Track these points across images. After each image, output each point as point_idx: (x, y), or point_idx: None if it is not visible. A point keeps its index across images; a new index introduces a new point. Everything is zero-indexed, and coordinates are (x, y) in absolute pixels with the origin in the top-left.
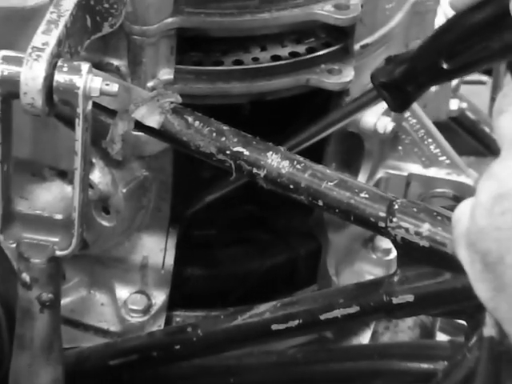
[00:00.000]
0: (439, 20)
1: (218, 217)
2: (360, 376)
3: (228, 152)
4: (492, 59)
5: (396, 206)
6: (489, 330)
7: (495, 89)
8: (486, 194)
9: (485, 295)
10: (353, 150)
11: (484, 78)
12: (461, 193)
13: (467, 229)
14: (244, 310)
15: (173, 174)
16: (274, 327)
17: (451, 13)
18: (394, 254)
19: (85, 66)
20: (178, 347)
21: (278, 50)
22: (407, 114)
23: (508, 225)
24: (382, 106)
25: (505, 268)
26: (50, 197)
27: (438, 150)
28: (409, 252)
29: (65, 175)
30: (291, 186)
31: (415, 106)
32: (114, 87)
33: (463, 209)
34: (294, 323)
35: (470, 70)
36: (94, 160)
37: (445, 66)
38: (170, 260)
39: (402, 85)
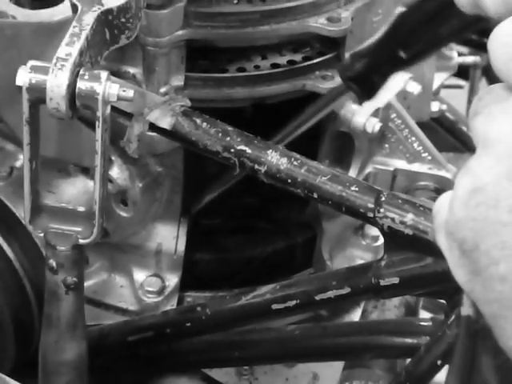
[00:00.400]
0: None
1: (224, 208)
2: (351, 350)
3: (232, 150)
4: (442, 44)
5: (383, 198)
6: (466, 310)
7: (471, 92)
8: (463, 188)
9: (462, 279)
10: (344, 148)
11: (462, 82)
12: (441, 185)
13: (446, 219)
14: (247, 291)
15: (183, 170)
16: (274, 307)
17: None
18: (381, 240)
19: (104, 74)
20: (188, 325)
21: (277, 58)
22: (393, 115)
23: (482, 216)
24: (371, 107)
25: (479, 255)
26: (74, 191)
27: (420, 148)
28: (394, 239)
29: (87, 171)
30: (289, 181)
31: (400, 107)
32: (130, 93)
33: (442, 201)
34: (292, 303)
35: (425, 56)
36: (113, 158)
37: (403, 55)
38: (181, 246)
39: (367, 76)
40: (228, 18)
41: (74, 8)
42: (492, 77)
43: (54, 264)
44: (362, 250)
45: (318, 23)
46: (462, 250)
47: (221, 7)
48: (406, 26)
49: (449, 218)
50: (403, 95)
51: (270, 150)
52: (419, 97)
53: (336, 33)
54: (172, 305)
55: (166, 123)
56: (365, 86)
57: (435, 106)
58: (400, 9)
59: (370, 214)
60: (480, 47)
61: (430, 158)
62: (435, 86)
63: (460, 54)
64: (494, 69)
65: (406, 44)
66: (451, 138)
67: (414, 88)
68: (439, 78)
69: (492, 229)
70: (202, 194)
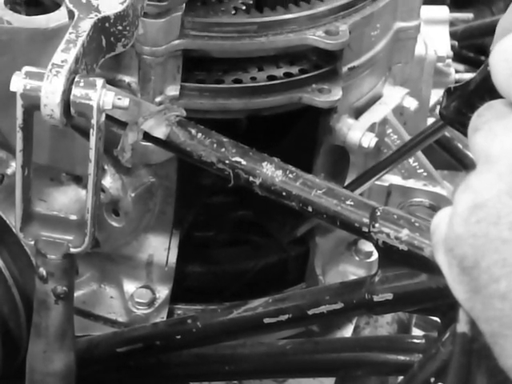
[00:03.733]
0: (418, 46)
1: (216, 220)
2: (343, 366)
3: (227, 161)
4: None
5: (378, 213)
6: (462, 327)
7: None
8: (463, 204)
9: (462, 296)
10: (339, 162)
11: None
12: (436, 202)
13: (445, 235)
14: (239, 305)
15: (177, 181)
16: (266, 321)
17: (429, 41)
18: (375, 256)
19: (99, 82)
20: (178, 337)
21: (274, 70)
22: (389, 130)
23: (483, 232)
24: (367, 122)
25: (480, 272)
26: (66, 199)
27: (416, 164)
28: (389, 255)
29: (80, 180)
30: (284, 194)
31: (396, 123)
32: (125, 101)
33: (441, 217)
34: (284, 317)
35: None
36: (106, 167)
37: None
38: (173, 258)
39: (469, 116)
40: (225, 28)
41: (71, 14)
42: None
43: (44, 273)
44: (355, 266)
45: (316, 36)
46: (461, 266)
47: (218, 17)
48: None
49: (448, 235)
50: (400, 111)
51: (266, 162)
52: (416, 113)
53: (333, 46)
54: (162, 317)
55: (160, 133)
56: (460, 123)
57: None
58: None
59: (365, 229)
60: (477, 64)
61: (425, 174)
62: (432, 102)
63: (457, 71)
64: (494, 84)
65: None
66: (447, 154)
67: (411, 104)
68: (436, 95)
69: (493, 246)
70: (196, 205)
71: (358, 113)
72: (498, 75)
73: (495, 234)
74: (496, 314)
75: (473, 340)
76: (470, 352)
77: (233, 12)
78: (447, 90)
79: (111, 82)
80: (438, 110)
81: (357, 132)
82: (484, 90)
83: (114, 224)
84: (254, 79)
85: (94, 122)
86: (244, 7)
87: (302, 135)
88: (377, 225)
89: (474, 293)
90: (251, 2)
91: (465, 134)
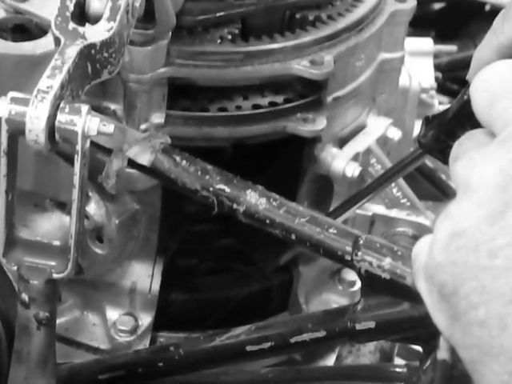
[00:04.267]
0: (403, 78)
1: (200, 248)
2: None
3: (211, 189)
4: None
5: (361, 242)
6: (442, 354)
7: None
8: (443, 232)
9: (442, 323)
10: (323, 191)
11: None
12: (419, 232)
13: (426, 263)
14: (222, 333)
15: (161, 208)
16: (249, 348)
17: (413, 72)
18: (358, 286)
19: (84, 108)
20: (161, 364)
21: (259, 99)
22: (373, 160)
23: (462, 260)
24: (351, 152)
25: (459, 299)
26: (49, 225)
27: (399, 194)
28: (371, 283)
29: (63, 206)
30: (267, 221)
31: (380, 153)
32: (110, 128)
33: (422, 245)
34: (267, 345)
35: None
36: (90, 193)
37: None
38: (156, 285)
39: (449, 144)
40: (211, 57)
41: (57, 41)
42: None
43: (27, 298)
44: (338, 295)
45: (301, 65)
46: (441, 294)
47: (204, 46)
48: None
49: (428, 262)
50: (384, 141)
51: (249, 190)
52: (399, 143)
53: (318, 76)
54: (144, 344)
55: (145, 160)
56: (447, 152)
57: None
58: None
59: (348, 257)
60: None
61: (408, 204)
62: (415, 132)
63: (441, 103)
64: (475, 114)
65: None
66: (430, 185)
67: (395, 134)
68: (419, 125)
69: (472, 273)
70: (180, 233)
71: (342, 142)
72: (478, 105)
73: (474, 262)
74: (475, 341)
75: (453, 367)
76: (451, 379)
77: (219, 41)
78: (425, 119)
79: (97, 109)
80: (416, 139)
81: (341, 161)
82: (461, 118)
83: (98, 251)
84: (239, 108)
85: (78, 148)
86: (230, 36)
87: (286, 164)
88: (359, 253)
89: (453, 320)
90: (237, 32)
91: (443, 161)
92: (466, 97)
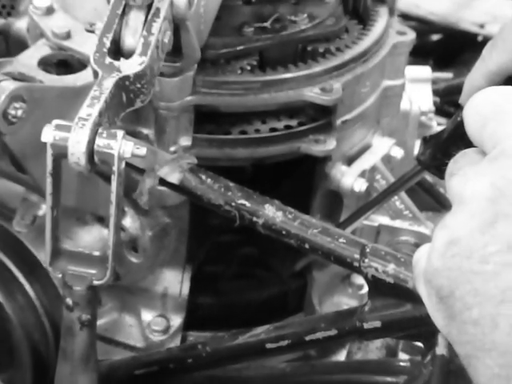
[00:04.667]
0: (404, 102)
1: (224, 256)
2: None
3: (233, 204)
4: None
5: (368, 250)
6: (441, 350)
7: None
8: (440, 241)
9: (440, 322)
10: (334, 204)
11: None
12: (420, 240)
13: (425, 269)
14: (244, 332)
15: (189, 221)
16: (268, 346)
17: (414, 97)
18: (365, 289)
19: (120, 133)
20: (190, 361)
21: (275, 123)
22: (378, 176)
23: (457, 265)
24: (358, 169)
25: (455, 301)
26: (90, 237)
27: (402, 206)
28: (377, 286)
29: (102, 220)
30: (283, 232)
31: (384, 169)
32: (143, 150)
33: (421, 252)
34: (284, 343)
35: None
36: (126, 208)
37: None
38: (185, 290)
39: (444, 161)
40: (232, 86)
41: (96, 74)
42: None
43: (71, 302)
44: (348, 297)
45: (312, 93)
46: (439, 296)
47: (226, 76)
48: None
49: (427, 268)
50: (387, 159)
51: (267, 205)
52: (402, 161)
53: (328, 102)
54: (176, 343)
55: (174, 178)
56: (444, 168)
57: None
58: None
59: (356, 264)
60: None
61: (410, 215)
62: (416, 151)
63: (439, 124)
64: (468, 134)
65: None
66: (430, 198)
67: (398, 153)
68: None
69: (466, 277)
70: (206, 243)
71: (350, 160)
72: (470, 126)
73: (468, 267)
74: (469, 338)
75: (450, 361)
76: (448, 372)
77: (239, 72)
78: (423, 139)
79: (131, 134)
80: (415, 157)
81: (349, 178)
82: (455, 138)
83: (133, 260)
84: (257, 131)
85: (115, 168)
86: (249, 67)
87: (300, 180)
88: (366, 260)
89: (450, 319)
90: (255, 63)
91: (440, 176)
92: (459, 119)
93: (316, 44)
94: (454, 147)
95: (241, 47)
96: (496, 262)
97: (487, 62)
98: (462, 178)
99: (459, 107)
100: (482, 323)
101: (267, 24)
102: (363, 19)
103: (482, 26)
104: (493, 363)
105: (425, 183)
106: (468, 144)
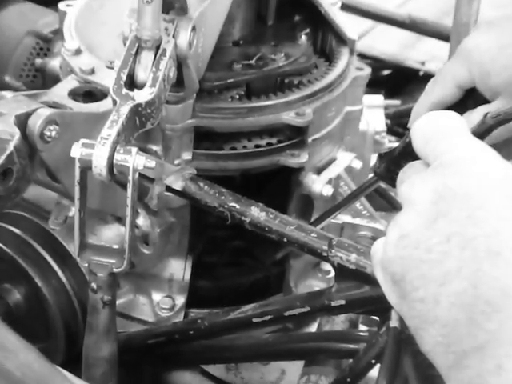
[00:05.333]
0: (362, 124)
1: (219, 248)
2: (309, 353)
3: (225, 206)
4: None
5: (334, 242)
6: (394, 323)
7: None
8: (393, 235)
9: (393, 301)
10: (306, 206)
11: None
12: (376, 234)
13: (381, 258)
14: (235, 309)
15: (190, 220)
16: (254, 320)
17: (369, 120)
18: (332, 274)
19: (134, 150)
20: (191, 332)
21: (259, 141)
22: (342, 183)
23: (407, 255)
24: (326, 177)
25: (405, 283)
26: (110, 233)
27: (361, 207)
28: (342, 272)
29: (120, 220)
30: (266, 229)
31: (346, 178)
32: (153, 163)
33: (378, 245)
34: (267, 318)
35: None
36: (139, 210)
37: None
38: (187, 275)
39: (396, 173)
40: (224, 111)
41: (114, 102)
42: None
43: (95, 286)
44: (318, 281)
45: (289, 116)
46: (393, 280)
47: (219, 103)
48: None
49: (383, 257)
50: (349, 169)
51: (253, 207)
52: (360, 171)
53: (301, 123)
54: (179, 318)
55: (178, 186)
56: (389, 179)
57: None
58: None
59: (325, 254)
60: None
61: (368, 214)
62: (372, 163)
63: (390, 141)
64: (414, 150)
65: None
66: (383, 201)
67: (357, 164)
68: (375, 158)
69: (414, 264)
70: (204, 237)
71: (319, 171)
72: (416, 144)
73: (416, 256)
74: (417, 314)
75: (401, 332)
76: (400, 341)
77: (229, 100)
78: (379, 155)
79: (142, 150)
80: (373, 169)
81: (318, 184)
82: (405, 154)
83: (145, 251)
84: (245, 147)
85: (130, 178)
86: (237, 96)
87: (279, 187)
88: (333, 251)
89: (401, 299)
90: (243, 93)
91: (392, 185)
92: (407, 139)
93: (291, 77)
94: (404, 161)
95: (231, 80)
96: (438, 252)
97: (430, 95)
98: (410, 184)
99: (408, 130)
100: (427, 301)
101: (252, 61)
102: (329, 57)
103: (423, 64)
104: (436, 333)
105: (379, 188)
106: (415, 158)
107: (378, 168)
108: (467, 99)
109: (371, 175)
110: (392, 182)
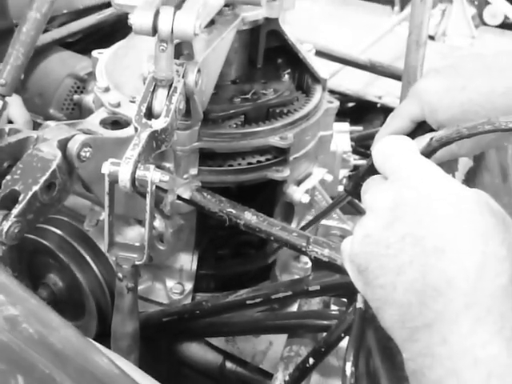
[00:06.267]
0: (332, 145)
1: (219, 244)
2: (292, 327)
3: (224, 211)
4: None
5: (311, 240)
6: (359, 304)
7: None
8: (358, 234)
9: (359, 287)
10: (288, 211)
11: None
12: (344, 233)
13: (349, 253)
14: (232, 293)
15: (196, 222)
16: (248, 302)
17: (338, 142)
18: (309, 264)
19: (152, 167)
20: (198, 312)
21: (251, 159)
22: (317, 193)
23: (370, 250)
24: (304, 188)
25: (368, 273)
26: (133, 233)
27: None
28: (317, 264)
29: (141, 222)
30: (257, 229)
31: (321, 188)
32: (166, 177)
33: (346, 242)
34: (258, 300)
35: None
36: (155, 214)
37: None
38: (194, 266)
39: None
40: (223, 136)
41: (136, 129)
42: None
43: (121, 275)
44: (298, 270)
45: (274, 140)
46: (358, 270)
47: (219, 129)
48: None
49: (350, 252)
50: (322, 181)
51: (246, 212)
52: (331, 182)
53: (284, 145)
54: (188, 300)
55: (186, 195)
56: (357, 195)
57: (341, 188)
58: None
59: (304, 249)
60: (365, 155)
61: (337, 217)
62: (340, 176)
63: (354, 159)
64: (376, 167)
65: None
66: (350, 206)
67: (329, 177)
68: (342, 173)
69: (375, 258)
70: (207, 236)
71: (298, 183)
72: (377, 162)
73: (377, 251)
74: (378, 297)
75: (366, 312)
76: (364, 319)
77: (229, 126)
78: (348, 176)
79: (158, 167)
80: (343, 187)
81: (298, 194)
82: (369, 173)
83: (161, 247)
84: (239, 164)
85: (148, 189)
86: (239, 123)
87: (267, 196)
88: (310, 247)
89: (365, 285)
90: (240, 123)
91: (359, 200)
92: (370, 162)
93: (278, 107)
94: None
95: (233, 111)
96: (395, 248)
97: (389, 126)
98: (372, 194)
99: (370, 154)
100: (386, 287)
101: (249, 96)
102: (306, 92)
103: (380, 98)
104: (393, 313)
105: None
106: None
107: (347, 186)
108: (418, 129)
109: (340, 188)
110: (358, 197)
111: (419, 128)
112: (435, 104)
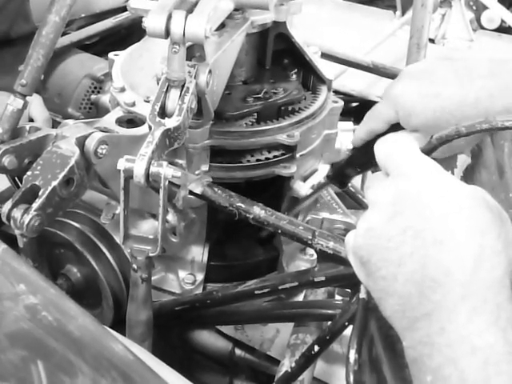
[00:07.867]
0: (337, 143)
1: (228, 236)
2: (298, 316)
3: (234, 206)
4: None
5: (316, 233)
6: (362, 294)
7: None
8: (362, 228)
9: (362, 278)
10: (295, 205)
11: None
12: (348, 227)
13: (352, 245)
14: (241, 283)
15: (207, 216)
16: (256, 292)
17: (342, 140)
18: (315, 256)
19: (165, 163)
20: (208, 301)
21: (259, 156)
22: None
23: (372, 243)
24: (310, 184)
25: (371, 264)
26: (147, 227)
27: (337, 206)
28: (323, 256)
29: (155, 216)
30: (265, 223)
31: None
32: (179, 173)
33: (350, 235)
34: (266, 290)
35: (368, 169)
36: (168, 209)
37: (358, 169)
38: (205, 258)
39: (343, 178)
40: (233, 133)
41: (150, 127)
42: None
43: (135, 266)
44: (305, 262)
45: (282, 137)
46: (361, 262)
47: (229, 127)
48: (357, 157)
49: (354, 245)
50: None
51: (255, 206)
52: None
53: (292, 143)
54: (199, 290)
55: (198, 190)
56: (341, 183)
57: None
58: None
59: (310, 242)
60: None
61: (341, 211)
62: None
63: None
64: (377, 162)
65: (359, 165)
66: (353, 201)
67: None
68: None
69: (378, 250)
70: (217, 229)
71: (305, 178)
72: (379, 158)
73: (379, 244)
74: (380, 288)
75: (368, 302)
76: (367, 308)
77: (238, 124)
78: (331, 164)
79: (171, 163)
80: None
81: (304, 189)
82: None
83: (173, 240)
84: (248, 161)
85: (162, 184)
86: (250, 122)
87: (275, 191)
88: (316, 239)
89: (368, 276)
90: (254, 120)
91: (338, 186)
92: (350, 153)
93: (288, 105)
94: (347, 169)
95: (247, 110)
96: (396, 241)
97: (366, 125)
98: (374, 189)
99: (352, 146)
100: (387, 278)
101: (261, 95)
102: (312, 92)
103: (382, 98)
104: (394, 302)
105: (349, 192)
106: (355, 167)
107: (329, 173)
108: (391, 130)
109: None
110: (338, 184)
111: (392, 129)
112: (409, 109)
